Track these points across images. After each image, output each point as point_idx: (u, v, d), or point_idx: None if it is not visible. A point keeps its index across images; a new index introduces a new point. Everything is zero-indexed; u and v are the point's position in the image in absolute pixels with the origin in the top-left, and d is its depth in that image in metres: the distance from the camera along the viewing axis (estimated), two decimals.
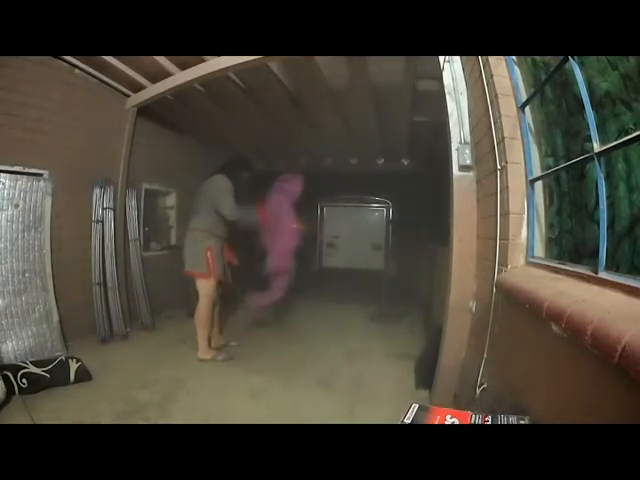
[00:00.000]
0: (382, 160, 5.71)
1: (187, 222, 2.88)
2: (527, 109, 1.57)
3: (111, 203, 3.21)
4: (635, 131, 0.92)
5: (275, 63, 2.73)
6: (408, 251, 5.73)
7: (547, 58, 1.47)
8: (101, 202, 3.13)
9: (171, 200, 4.44)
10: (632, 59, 1.10)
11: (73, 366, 2.22)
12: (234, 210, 2.66)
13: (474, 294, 1.89)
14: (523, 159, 1.54)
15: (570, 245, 1.41)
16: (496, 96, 1.60)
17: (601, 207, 1.05)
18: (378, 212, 7.30)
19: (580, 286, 1.07)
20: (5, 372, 1.97)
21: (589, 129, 1.11)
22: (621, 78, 1.15)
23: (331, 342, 3.25)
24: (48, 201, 2.68)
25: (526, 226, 1.53)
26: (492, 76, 1.63)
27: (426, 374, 2.24)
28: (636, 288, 0.87)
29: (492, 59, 1.65)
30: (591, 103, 1.13)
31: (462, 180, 1.94)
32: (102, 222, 3.14)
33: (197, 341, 2.72)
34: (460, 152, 1.92)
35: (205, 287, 2.68)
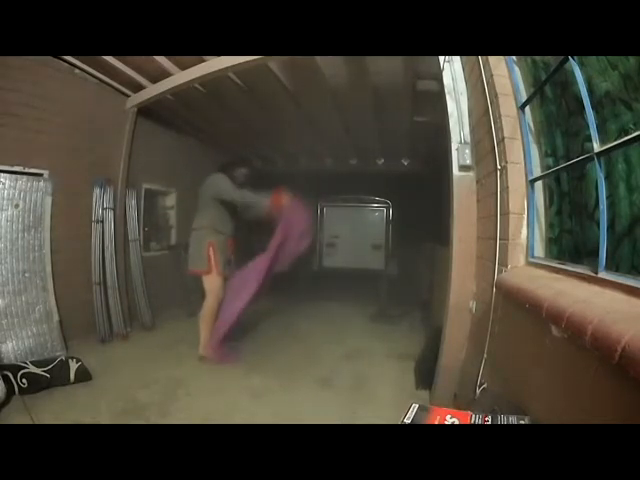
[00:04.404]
0: (382, 160, 5.71)
1: (189, 222, 2.89)
2: (527, 109, 1.57)
3: (111, 203, 3.21)
4: (635, 131, 0.92)
5: (275, 63, 2.73)
6: (408, 251, 5.72)
7: (547, 58, 1.47)
8: (101, 202, 3.13)
9: (171, 200, 4.44)
10: (632, 59, 1.10)
11: (73, 366, 2.21)
12: (236, 192, 2.67)
13: (474, 294, 1.89)
14: (523, 159, 1.55)
15: (570, 245, 1.41)
16: (496, 96, 1.60)
17: (601, 207, 1.05)
18: (378, 212, 7.30)
19: (580, 286, 1.07)
20: (5, 372, 1.97)
21: (589, 129, 1.11)
22: (621, 78, 1.15)
23: (331, 342, 3.25)
24: (48, 201, 2.68)
25: (526, 226, 1.53)
26: (492, 76, 1.63)
27: (426, 374, 2.24)
28: (636, 288, 0.87)
29: (492, 59, 1.65)
30: (591, 103, 1.13)
31: (462, 180, 1.94)
32: (102, 222, 3.14)
33: (199, 337, 2.72)
34: (460, 152, 1.92)
35: (210, 284, 2.70)
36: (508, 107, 1.58)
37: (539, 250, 1.53)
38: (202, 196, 2.80)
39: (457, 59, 1.96)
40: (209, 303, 2.71)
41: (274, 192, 2.63)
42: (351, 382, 2.41)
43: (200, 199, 2.82)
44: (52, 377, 2.11)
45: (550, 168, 1.47)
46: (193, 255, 2.75)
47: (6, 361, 2.29)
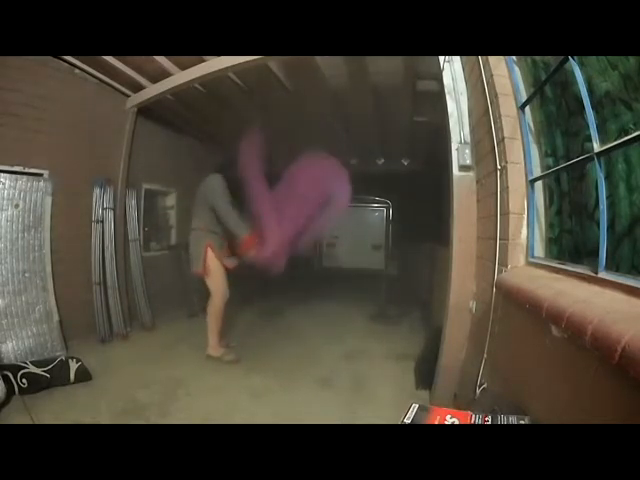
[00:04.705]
0: (382, 160, 5.71)
1: (189, 222, 2.89)
2: (527, 109, 1.57)
3: (111, 203, 3.21)
4: (635, 131, 0.92)
5: (275, 63, 2.73)
6: (408, 251, 5.73)
7: (547, 58, 1.47)
8: (101, 202, 3.13)
9: (171, 200, 4.44)
10: (632, 59, 1.10)
11: (73, 366, 2.22)
12: (221, 204, 2.64)
13: (474, 294, 1.89)
14: (523, 159, 1.55)
15: (570, 245, 1.41)
16: (496, 96, 1.60)
17: (601, 207, 1.05)
18: (378, 212, 7.31)
19: (580, 286, 1.07)
20: (5, 372, 1.97)
21: (589, 129, 1.11)
22: (621, 78, 1.15)
23: (331, 342, 3.24)
24: (48, 201, 2.68)
25: (526, 226, 1.53)
26: (492, 76, 1.63)
27: (426, 374, 2.24)
28: (636, 288, 0.87)
29: (492, 59, 1.65)
30: (591, 103, 1.13)
31: (462, 180, 1.94)
32: (102, 222, 3.14)
33: (207, 337, 2.73)
34: (460, 152, 1.92)
35: (214, 284, 2.71)
36: (508, 107, 1.58)
37: (539, 250, 1.53)
38: (198, 197, 2.80)
39: (457, 59, 1.96)
40: (215, 302, 2.71)
41: (251, 233, 2.61)
42: (351, 382, 2.41)
43: (196, 199, 2.81)
44: (52, 377, 2.11)
45: (550, 168, 1.47)
46: (193, 256, 2.76)
47: (6, 361, 2.29)
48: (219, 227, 2.76)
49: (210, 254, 2.67)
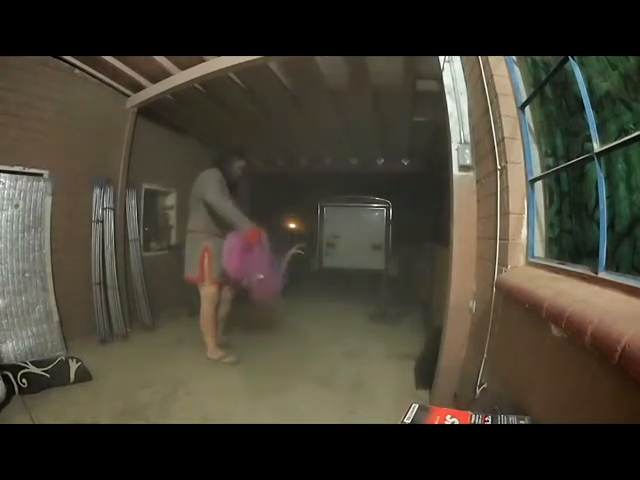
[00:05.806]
0: (382, 160, 5.71)
1: (186, 222, 2.86)
2: (527, 109, 1.57)
3: (111, 203, 3.21)
4: (635, 131, 0.92)
5: (275, 63, 2.73)
6: (408, 251, 5.72)
7: (547, 58, 1.47)
8: (101, 202, 3.13)
9: (171, 200, 4.44)
10: (632, 59, 1.10)
11: (73, 366, 2.21)
12: (215, 197, 2.47)
13: (474, 294, 1.89)
14: (523, 159, 1.54)
15: (570, 245, 1.41)
16: (496, 96, 1.60)
17: (601, 207, 1.05)
18: (378, 212, 7.30)
19: (580, 286, 1.07)
20: (5, 372, 1.97)
21: (589, 129, 1.11)
22: (621, 78, 1.15)
23: (331, 342, 3.24)
24: (48, 201, 2.68)
25: (526, 226, 1.53)
26: (492, 76, 1.63)
27: (426, 374, 2.24)
28: (636, 288, 0.87)
29: (492, 59, 1.65)
30: (591, 103, 1.13)
31: (462, 180, 1.94)
32: (102, 222, 3.14)
33: (205, 343, 2.72)
34: (460, 152, 1.91)
35: (204, 290, 2.65)
36: (508, 107, 1.58)
37: (539, 250, 1.53)
38: (193, 194, 2.66)
39: (457, 59, 1.96)
40: (204, 309, 2.67)
41: (254, 228, 2.42)
42: (351, 382, 2.41)
43: (191, 197, 2.69)
44: (52, 377, 2.11)
45: (550, 168, 1.47)
46: (188, 260, 2.67)
47: (6, 361, 2.28)
48: (218, 228, 2.61)
49: (207, 260, 2.57)
